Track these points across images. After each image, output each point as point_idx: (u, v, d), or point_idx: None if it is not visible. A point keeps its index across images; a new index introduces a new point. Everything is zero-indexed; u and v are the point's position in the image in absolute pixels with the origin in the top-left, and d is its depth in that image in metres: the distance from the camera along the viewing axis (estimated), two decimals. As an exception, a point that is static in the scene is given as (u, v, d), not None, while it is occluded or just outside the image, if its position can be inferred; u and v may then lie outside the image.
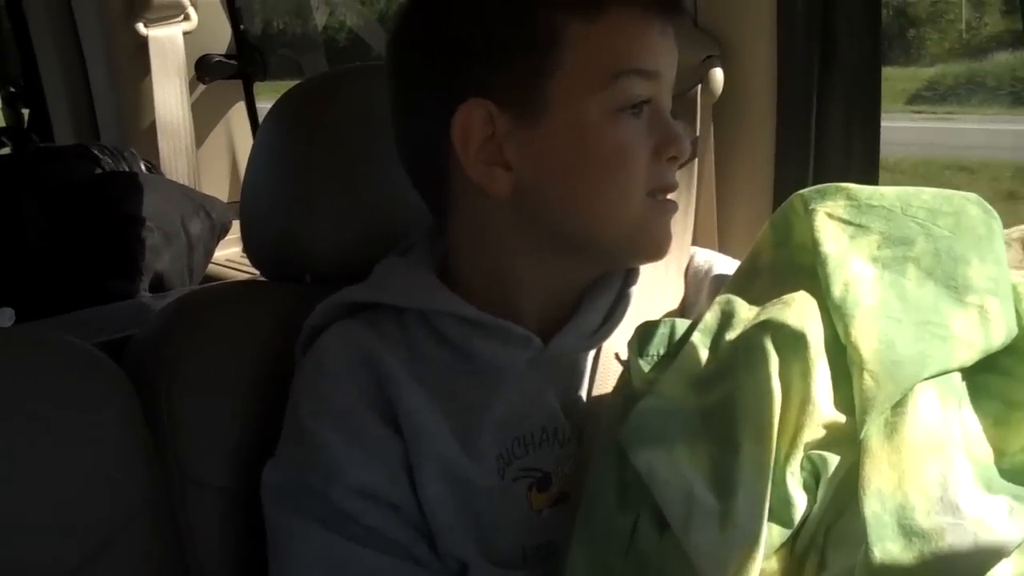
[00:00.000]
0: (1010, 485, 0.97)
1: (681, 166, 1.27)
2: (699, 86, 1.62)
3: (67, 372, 1.28)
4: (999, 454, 1.01)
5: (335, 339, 1.26)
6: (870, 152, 1.65)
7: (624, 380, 1.14)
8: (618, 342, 1.26)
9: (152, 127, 2.91)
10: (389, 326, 1.26)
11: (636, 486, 1.04)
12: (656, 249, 1.25)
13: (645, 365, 1.11)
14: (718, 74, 1.62)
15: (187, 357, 1.34)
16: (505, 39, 1.17)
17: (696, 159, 1.61)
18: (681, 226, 1.47)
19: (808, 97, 1.63)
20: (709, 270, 1.37)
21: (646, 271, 1.32)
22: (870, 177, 1.65)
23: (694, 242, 1.56)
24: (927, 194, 1.13)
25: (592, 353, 1.28)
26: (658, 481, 1.01)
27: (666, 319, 1.17)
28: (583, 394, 1.25)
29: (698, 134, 1.63)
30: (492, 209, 1.21)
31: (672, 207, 1.24)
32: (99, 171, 2.58)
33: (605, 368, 1.27)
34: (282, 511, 1.21)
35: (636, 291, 1.30)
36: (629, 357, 1.12)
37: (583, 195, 1.19)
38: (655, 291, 1.34)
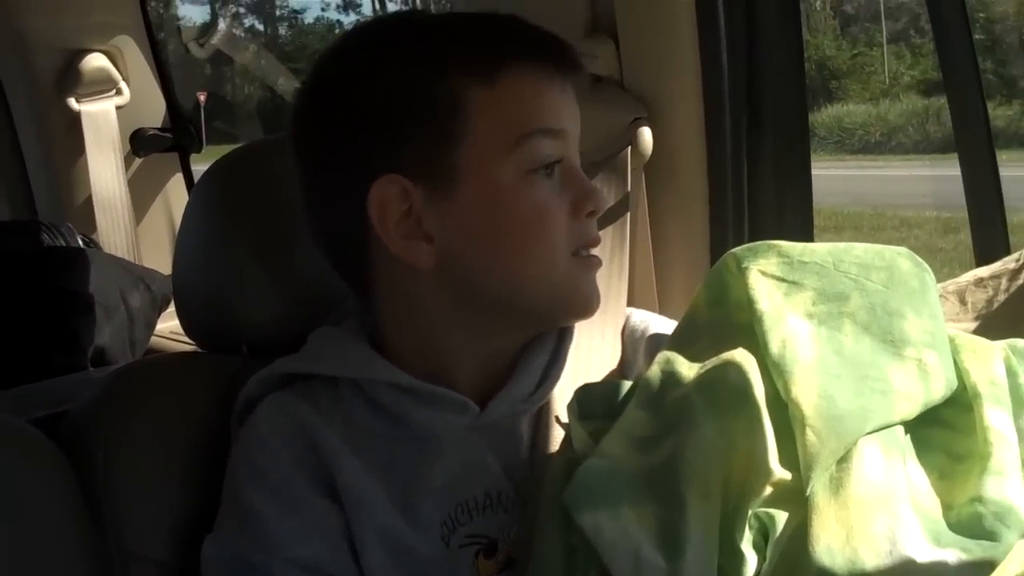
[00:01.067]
0: (958, 537, 0.98)
1: (600, 222, 1.27)
2: (628, 148, 1.63)
3: (1, 451, 1.25)
4: (946, 507, 1.01)
5: (270, 411, 1.25)
6: (803, 207, 1.67)
7: (566, 443, 1.14)
8: (559, 404, 1.26)
9: (89, 201, 2.90)
10: (324, 397, 1.26)
11: (583, 549, 1.04)
12: (584, 306, 1.25)
13: (586, 428, 1.11)
14: (647, 135, 1.64)
15: (123, 431, 1.32)
16: (407, 112, 1.17)
17: (628, 219, 1.62)
18: (616, 287, 1.48)
19: (738, 155, 1.66)
20: (645, 330, 1.37)
21: (582, 332, 1.32)
22: (805, 231, 1.67)
23: (632, 303, 1.56)
24: (859, 249, 1.14)
25: (532, 416, 1.27)
26: (605, 543, 1.01)
27: (606, 381, 1.18)
28: (525, 458, 1.24)
29: (629, 193, 1.63)
30: (417, 280, 1.21)
31: (596, 263, 1.24)
32: (36, 246, 2.56)
33: (545, 431, 1.26)
34: None
35: (573, 353, 1.29)
36: (569, 420, 1.13)
37: (506, 259, 1.19)
38: (592, 353, 1.33)
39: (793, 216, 1.66)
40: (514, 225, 1.19)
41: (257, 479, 1.20)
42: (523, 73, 1.18)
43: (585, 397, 1.16)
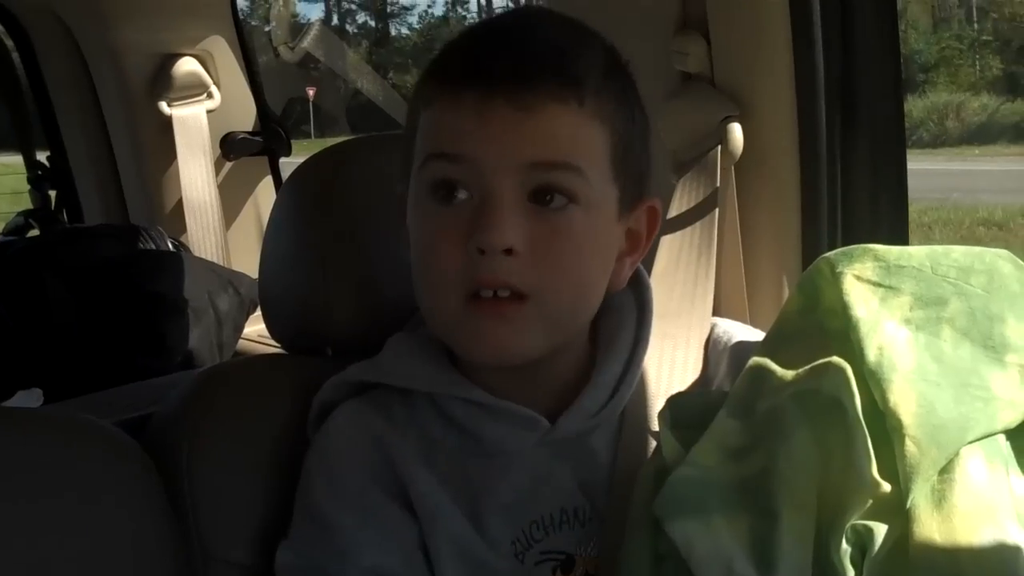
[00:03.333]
0: None
1: (687, 223, 1.23)
2: (719, 146, 1.61)
3: (88, 453, 1.26)
4: None
5: (345, 419, 1.25)
6: (898, 208, 1.64)
7: (656, 452, 1.12)
8: (636, 417, 1.24)
9: (180, 205, 2.92)
10: (396, 407, 1.25)
11: (672, 559, 1.02)
12: (481, 355, 1.18)
13: (676, 437, 1.09)
14: (738, 133, 1.61)
15: (206, 433, 1.33)
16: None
17: (716, 221, 1.59)
18: (702, 293, 1.45)
19: (832, 154, 1.62)
20: (729, 340, 1.32)
21: (664, 341, 1.29)
22: (900, 232, 1.63)
23: (720, 309, 1.54)
24: (957, 252, 1.10)
25: (609, 430, 1.24)
26: (696, 554, 0.99)
27: (697, 390, 1.16)
28: (602, 472, 1.21)
29: (717, 193, 1.61)
30: None
31: (499, 309, 1.14)
32: (127, 250, 2.59)
33: (624, 444, 1.23)
34: None
35: (655, 364, 1.27)
36: (660, 429, 1.10)
37: (417, 289, 1.20)
38: (675, 363, 1.30)
39: (888, 217, 1.62)
40: (414, 253, 1.19)
41: (333, 487, 1.20)
42: (443, 97, 1.14)
43: (676, 406, 1.14)
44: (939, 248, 1.12)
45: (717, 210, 1.59)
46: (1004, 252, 1.12)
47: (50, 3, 2.94)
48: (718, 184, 1.60)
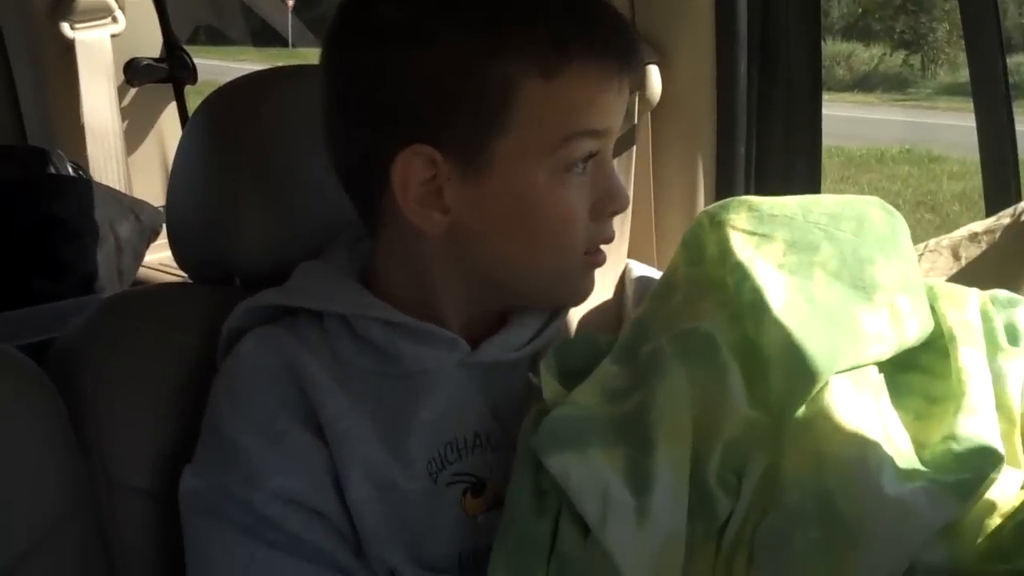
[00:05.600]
0: (930, 473, 0.99)
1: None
2: (637, 92, 1.61)
3: None
4: (920, 446, 1.03)
5: (255, 344, 1.23)
6: (811, 158, 1.66)
7: (540, 395, 1.13)
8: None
9: (81, 130, 2.87)
10: (310, 331, 1.24)
11: (553, 492, 1.04)
12: (579, 300, 1.26)
13: (559, 381, 1.13)
14: (656, 80, 1.61)
15: (112, 360, 1.31)
16: (456, 91, 1.12)
17: (633, 167, 1.60)
18: (617, 237, 1.46)
19: (749, 104, 1.63)
20: (642, 283, 1.36)
21: None
22: (812, 181, 1.66)
23: (633, 249, 1.54)
24: (828, 200, 1.18)
25: (526, 362, 1.25)
26: (572, 482, 1.02)
27: (585, 336, 1.21)
28: (519, 403, 1.22)
29: (635, 139, 1.61)
30: (422, 241, 1.19)
31: (603, 259, 1.23)
32: (25, 172, 2.54)
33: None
34: (201, 517, 1.18)
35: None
36: (541, 373, 1.13)
37: (518, 252, 1.19)
38: (590, 305, 1.31)
39: (801, 167, 1.65)
40: (536, 223, 1.17)
41: (240, 411, 1.19)
42: (583, 72, 1.13)
43: (562, 351, 1.18)
44: (811, 197, 1.19)
45: (634, 155, 1.59)
46: (874, 199, 1.19)
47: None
48: (636, 129, 1.61)
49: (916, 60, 11.96)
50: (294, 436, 1.17)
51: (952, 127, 9.05)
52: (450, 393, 1.21)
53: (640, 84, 1.61)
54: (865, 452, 0.98)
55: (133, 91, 2.99)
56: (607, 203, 1.19)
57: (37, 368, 1.28)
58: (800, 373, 1.03)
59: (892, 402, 1.07)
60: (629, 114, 1.60)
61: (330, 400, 1.18)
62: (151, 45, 3.00)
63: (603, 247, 1.23)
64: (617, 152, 1.58)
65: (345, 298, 1.23)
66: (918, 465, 1.00)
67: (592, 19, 1.15)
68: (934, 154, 9.54)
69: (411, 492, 1.17)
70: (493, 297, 1.24)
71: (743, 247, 1.13)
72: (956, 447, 1.00)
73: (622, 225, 1.51)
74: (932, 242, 1.31)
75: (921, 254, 1.36)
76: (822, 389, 1.02)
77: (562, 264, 1.20)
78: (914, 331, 1.10)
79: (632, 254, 1.55)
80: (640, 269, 1.40)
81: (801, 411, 1.02)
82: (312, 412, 1.18)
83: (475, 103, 1.12)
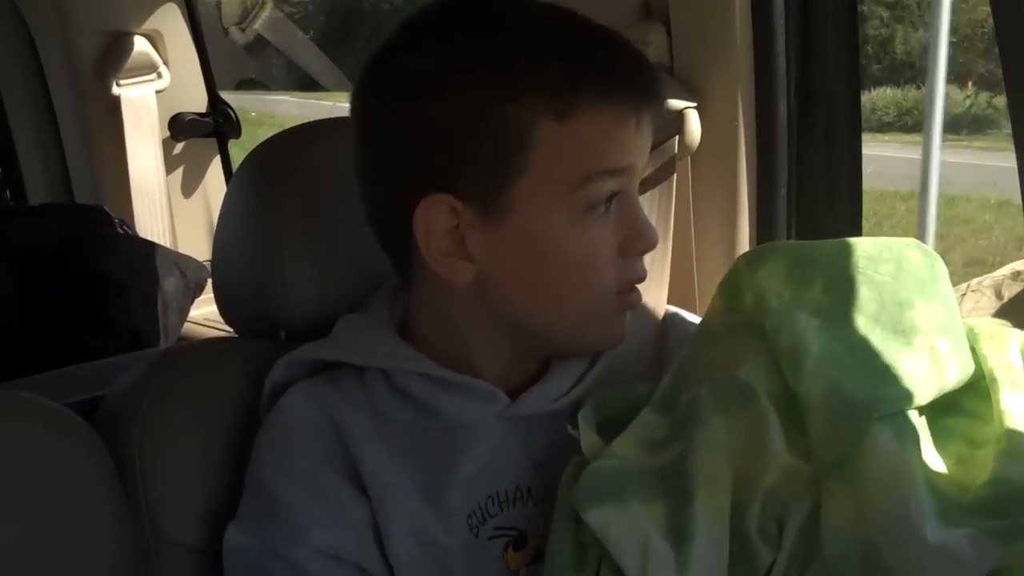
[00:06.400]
0: (974, 518, 0.97)
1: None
2: (676, 137, 1.61)
3: (37, 434, 1.25)
4: (962, 490, 1.02)
5: (297, 398, 1.24)
6: (853, 202, 1.65)
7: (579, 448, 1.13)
8: None
9: (126, 186, 2.89)
10: (351, 385, 1.24)
11: (593, 545, 1.04)
12: (614, 344, 1.24)
13: (598, 433, 1.12)
14: (695, 124, 1.61)
15: (160, 416, 1.32)
16: (470, 137, 1.12)
17: (672, 212, 1.60)
18: (657, 284, 1.46)
19: (788, 147, 1.63)
20: (682, 330, 1.36)
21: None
22: (854, 227, 1.65)
23: (674, 295, 1.54)
24: (865, 243, 1.16)
25: (570, 413, 1.22)
26: (611, 536, 1.01)
27: (624, 387, 1.20)
28: (558, 453, 1.20)
29: (674, 185, 1.61)
30: (453, 292, 1.19)
31: (637, 299, 1.22)
32: (72, 230, 2.56)
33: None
34: (244, 573, 1.19)
35: (616, 353, 1.27)
36: (580, 425, 1.13)
37: (547, 296, 1.18)
38: (629, 354, 1.30)
39: (844, 211, 1.64)
40: (560, 266, 1.16)
41: (283, 466, 1.20)
42: (597, 112, 1.12)
43: (601, 403, 1.17)
44: (848, 240, 1.17)
45: (674, 199, 1.59)
46: (911, 240, 1.17)
47: (-4, -21, 2.90)
48: (675, 174, 1.60)
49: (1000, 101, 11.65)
50: (336, 490, 1.17)
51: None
52: (490, 446, 1.21)
53: (679, 128, 1.61)
54: (907, 499, 0.97)
55: (178, 146, 2.99)
56: (634, 241, 1.18)
57: (86, 425, 1.30)
58: (840, 420, 1.01)
59: (934, 446, 1.06)
60: (668, 160, 1.60)
61: (371, 454, 1.18)
62: (195, 101, 3.01)
63: (640, 291, 1.21)
64: (656, 196, 1.59)
65: (384, 351, 1.23)
66: (961, 511, 0.98)
67: (604, 57, 1.15)
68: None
69: (452, 547, 1.17)
70: (528, 346, 1.24)
71: (780, 292, 1.12)
72: (1000, 492, 0.99)
73: (661, 270, 1.50)
74: (975, 282, 1.31)
75: (963, 294, 1.36)
76: (862, 435, 1.01)
77: (593, 306, 1.19)
78: (954, 374, 1.08)
79: (673, 300, 1.54)
80: (680, 316, 1.40)
81: (841, 459, 1.01)
82: (354, 466, 1.18)
83: (490, 148, 1.12)
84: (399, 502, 1.17)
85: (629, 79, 1.15)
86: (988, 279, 1.33)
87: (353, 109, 1.22)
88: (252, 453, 1.24)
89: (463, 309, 1.21)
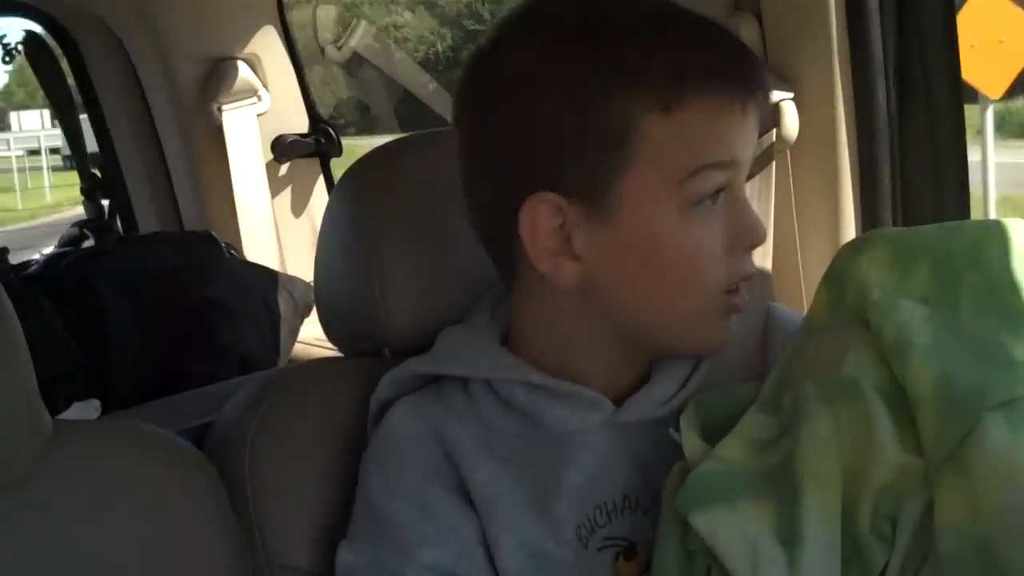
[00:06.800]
0: None
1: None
2: (773, 130, 1.59)
3: (149, 462, 1.26)
4: None
5: (402, 414, 1.23)
6: (960, 189, 1.61)
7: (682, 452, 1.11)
8: None
9: (233, 210, 2.93)
10: (456, 397, 1.24)
11: (701, 553, 1.02)
12: (720, 347, 1.20)
13: (703, 435, 1.10)
14: (793, 116, 1.59)
15: (268, 440, 1.32)
16: (573, 133, 1.10)
17: (772, 206, 1.58)
18: (759, 280, 1.44)
19: (890, 136, 1.60)
20: (786, 326, 1.33)
21: None
22: (962, 214, 1.61)
23: (776, 294, 1.52)
24: (969, 226, 1.13)
25: (676, 417, 1.20)
26: (720, 540, 0.99)
27: (726, 387, 1.18)
28: (664, 459, 1.18)
29: (773, 178, 1.59)
30: (557, 294, 1.17)
31: (743, 303, 1.18)
32: (181, 257, 2.59)
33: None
34: None
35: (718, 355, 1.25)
36: (682, 428, 1.11)
37: (652, 294, 1.15)
38: (734, 351, 1.27)
39: (950, 199, 1.60)
40: (668, 262, 1.14)
41: (391, 483, 1.19)
42: (703, 103, 1.10)
43: (703, 405, 1.15)
44: (951, 224, 1.14)
45: (773, 193, 1.57)
46: (1018, 220, 1.12)
47: (98, 11, 2.95)
48: (774, 168, 1.58)
49: None
50: (445, 506, 1.17)
51: None
52: (597, 454, 1.19)
53: (776, 121, 1.59)
54: (1021, 493, 0.93)
55: (283, 168, 3.02)
56: (743, 237, 1.15)
57: (198, 452, 1.31)
58: (950, 411, 0.97)
59: None
60: (766, 154, 1.58)
61: (477, 466, 1.18)
62: (295, 122, 3.04)
63: (744, 290, 1.19)
64: (755, 191, 1.57)
65: (487, 361, 1.23)
66: None
67: (708, 48, 1.13)
68: None
69: (563, 559, 1.15)
70: (633, 349, 1.21)
71: (884, 281, 1.09)
72: None
73: (763, 267, 1.48)
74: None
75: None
76: (975, 427, 0.96)
77: (701, 306, 1.16)
78: None
79: (779, 297, 1.52)
80: (783, 312, 1.37)
81: (953, 452, 0.97)
82: (461, 479, 1.18)
83: (595, 143, 1.10)
84: (508, 514, 1.16)
85: (733, 68, 1.14)
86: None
87: (455, 108, 1.22)
88: (360, 471, 1.24)
89: (568, 312, 1.19)
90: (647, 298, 1.16)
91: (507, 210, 1.15)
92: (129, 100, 3.04)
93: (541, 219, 1.13)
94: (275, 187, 3.01)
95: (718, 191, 1.13)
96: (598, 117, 1.10)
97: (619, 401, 1.21)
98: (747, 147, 1.16)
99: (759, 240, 1.17)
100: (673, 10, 1.15)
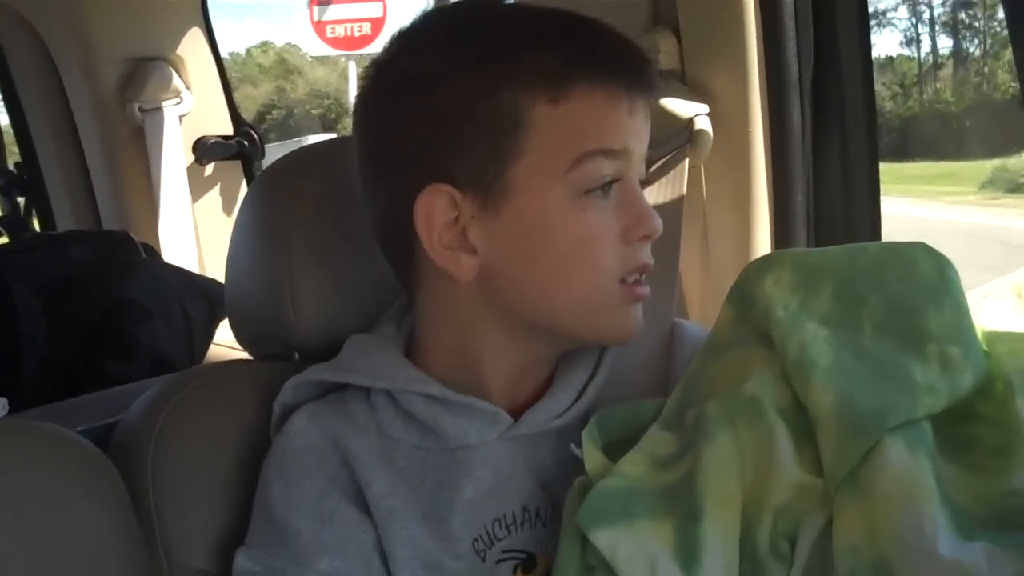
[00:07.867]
0: (990, 532, 0.95)
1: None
2: (688, 144, 1.60)
3: (50, 462, 1.25)
4: (978, 501, 0.99)
5: (303, 422, 1.23)
6: (871, 206, 1.63)
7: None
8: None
9: (152, 210, 2.91)
10: (357, 406, 1.23)
11: (600, 568, 1.02)
12: (621, 337, 1.21)
13: (605, 451, 1.10)
14: (707, 131, 1.60)
15: (171, 440, 1.31)
16: (467, 124, 1.13)
17: (681, 220, 1.58)
18: (666, 294, 1.44)
19: (803, 152, 1.61)
20: (691, 342, 1.35)
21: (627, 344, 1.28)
22: (874, 233, 1.63)
23: (682, 308, 1.52)
24: (873, 248, 1.14)
25: (575, 429, 1.20)
26: (619, 558, 1.00)
27: (630, 403, 1.18)
28: (564, 472, 1.19)
29: (684, 193, 1.59)
30: (457, 290, 1.18)
31: (643, 293, 1.20)
32: (96, 256, 2.56)
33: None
34: None
35: (616, 366, 1.26)
36: (584, 443, 1.11)
37: (548, 282, 1.16)
38: (636, 365, 1.30)
39: (862, 216, 1.62)
40: (560, 249, 1.15)
41: (290, 491, 1.19)
42: (591, 92, 1.13)
43: (606, 421, 1.16)
44: (857, 246, 1.16)
45: (683, 208, 1.58)
46: (921, 244, 1.14)
47: (20, 7, 2.91)
48: (685, 181, 1.59)
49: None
50: (343, 515, 1.16)
51: None
52: (495, 467, 1.19)
53: (691, 135, 1.59)
54: (920, 513, 0.94)
55: (207, 170, 3.01)
56: (636, 226, 1.16)
57: (99, 452, 1.29)
58: (850, 432, 0.99)
59: (949, 456, 1.02)
60: (680, 169, 1.59)
61: (376, 477, 1.17)
62: (218, 124, 3.02)
63: (647, 288, 1.20)
64: (668, 207, 1.57)
65: (388, 372, 1.22)
66: (977, 524, 0.96)
67: (595, 41, 1.16)
68: None
69: (458, 572, 1.15)
70: (538, 342, 1.22)
71: (787, 301, 1.10)
72: (1018, 503, 0.96)
73: (671, 282, 1.48)
74: (994, 284, 1.27)
75: (984, 296, 1.33)
76: (874, 448, 0.98)
77: (597, 294, 1.17)
78: (968, 381, 1.05)
79: (689, 314, 1.53)
80: (689, 328, 1.39)
81: (853, 472, 0.98)
82: (359, 489, 1.17)
83: (485, 134, 1.12)
84: (404, 526, 1.16)
85: (620, 63, 1.16)
86: (1007, 281, 1.29)
87: (355, 116, 1.24)
88: (260, 477, 1.23)
89: (469, 308, 1.20)
90: (542, 287, 1.16)
91: (403, 205, 1.16)
92: (50, 98, 3.01)
93: (437, 211, 1.14)
94: (198, 189, 3.00)
95: (611, 183, 1.15)
96: (489, 109, 1.12)
97: (519, 411, 1.21)
98: (638, 141, 1.18)
99: (652, 229, 1.18)
100: (562, 13, 1.18)
